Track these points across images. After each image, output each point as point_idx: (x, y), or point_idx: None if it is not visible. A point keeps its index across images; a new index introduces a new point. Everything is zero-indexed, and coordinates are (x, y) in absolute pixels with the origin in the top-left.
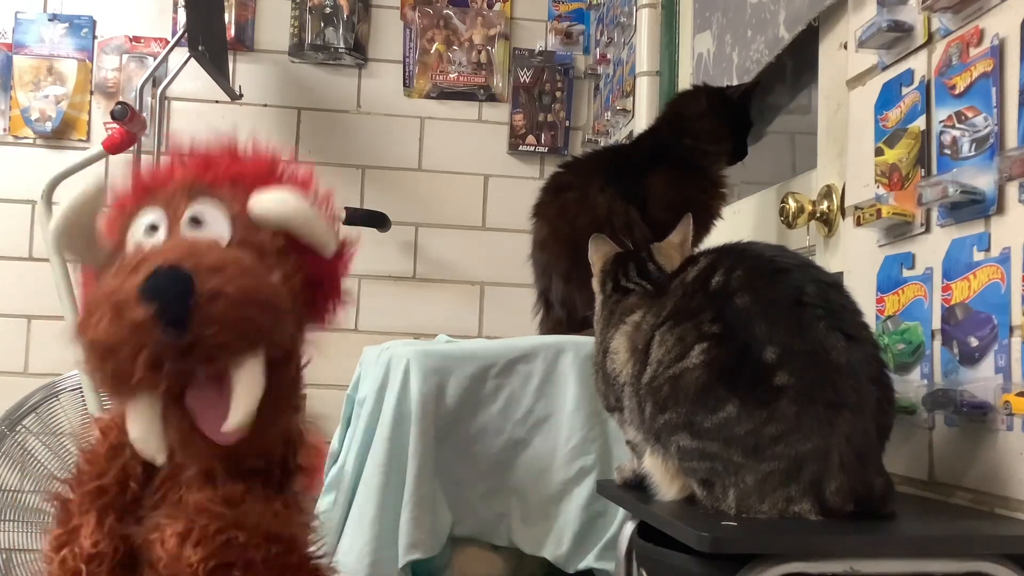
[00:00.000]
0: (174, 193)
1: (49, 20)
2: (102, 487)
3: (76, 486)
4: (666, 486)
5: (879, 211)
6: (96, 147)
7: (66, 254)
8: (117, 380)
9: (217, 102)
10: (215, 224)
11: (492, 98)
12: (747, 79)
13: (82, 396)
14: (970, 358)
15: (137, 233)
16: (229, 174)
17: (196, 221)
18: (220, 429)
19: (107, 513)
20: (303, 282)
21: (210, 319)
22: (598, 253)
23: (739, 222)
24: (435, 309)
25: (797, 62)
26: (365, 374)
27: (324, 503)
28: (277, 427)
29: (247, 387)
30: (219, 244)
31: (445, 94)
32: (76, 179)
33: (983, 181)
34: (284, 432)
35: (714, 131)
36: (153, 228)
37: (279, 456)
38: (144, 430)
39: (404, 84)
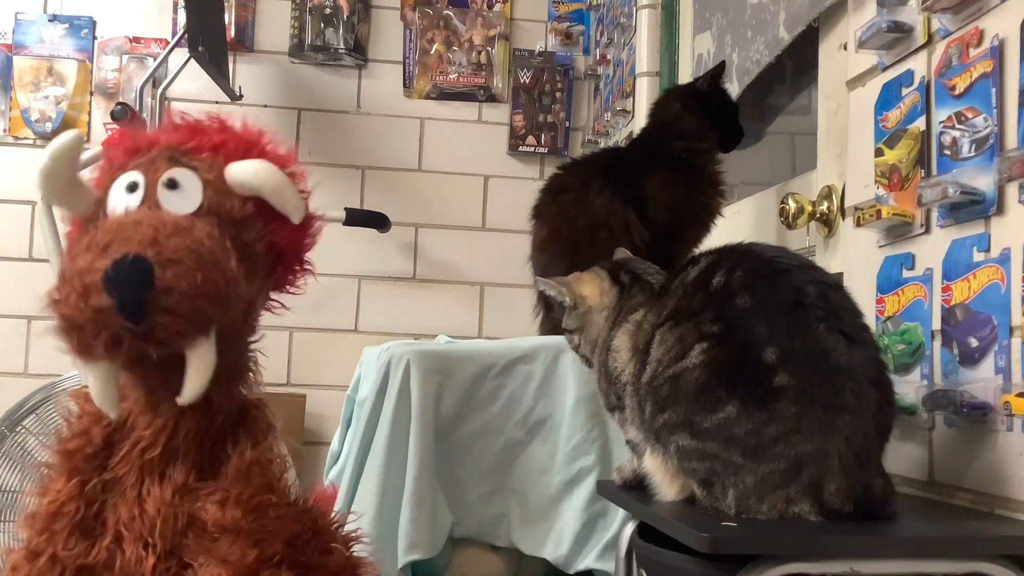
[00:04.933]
0: (156, 157)
1: (49, 21)
2: (68, 450)
3: (53, 451)
4: (666, 486)
5: (879, 212)
6: (96, 148)
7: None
8: (80, 351)
9: (217, 103)
10: (189, 188)
11: (492, 99)
12: (747, 80)
13: None
14: (970, 359)
15: (118, 191)
16: (212, 143)
17: (172, 184)
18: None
19: (73, 475)
20: (266, 249)
21: (164, 310)
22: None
23: (739, 223)
24: (435, 310)
25: (797, 62)
26: (365, 375)
27: None
28: (230, 388)
29: (199, 365)
30: (183, 224)
31: (445, 95)
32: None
33: (983, 182)
34: (237, 398)
35: (698, 128)
36: (133, 187)
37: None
38: (99, 390)
39: (404, 85)
